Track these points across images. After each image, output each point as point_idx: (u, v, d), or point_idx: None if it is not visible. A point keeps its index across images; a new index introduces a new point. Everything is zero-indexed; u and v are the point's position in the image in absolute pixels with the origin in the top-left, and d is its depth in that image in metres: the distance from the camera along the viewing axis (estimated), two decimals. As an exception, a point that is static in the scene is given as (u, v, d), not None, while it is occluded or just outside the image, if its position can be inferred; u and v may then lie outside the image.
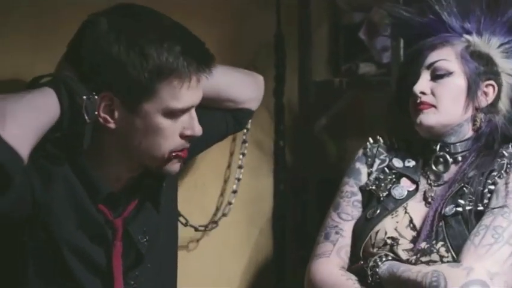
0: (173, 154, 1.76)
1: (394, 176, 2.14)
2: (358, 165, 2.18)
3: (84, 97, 1.66)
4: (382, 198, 2.09)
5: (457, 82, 2.06)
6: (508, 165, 2.05)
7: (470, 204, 2.01)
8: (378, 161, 2.17)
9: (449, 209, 2.01)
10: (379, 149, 2.19)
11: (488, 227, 1.95)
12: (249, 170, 2.81)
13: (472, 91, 2.06)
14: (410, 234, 2.04)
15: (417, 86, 2.06)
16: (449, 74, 2.06)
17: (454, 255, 1.97)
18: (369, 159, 2.18)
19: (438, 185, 2.10)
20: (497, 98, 2.11)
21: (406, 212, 2.07)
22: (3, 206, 1.63)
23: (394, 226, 2.05)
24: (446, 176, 2.10)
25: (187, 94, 1.72)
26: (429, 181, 2.11)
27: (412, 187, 2.11)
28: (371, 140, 2.22)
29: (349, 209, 2.13)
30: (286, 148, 2.96)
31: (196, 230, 2.62)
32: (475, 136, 2.10)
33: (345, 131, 3.13)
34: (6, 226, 1.71)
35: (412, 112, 2.10)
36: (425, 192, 2.10)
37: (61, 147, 1.73)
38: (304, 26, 2.99)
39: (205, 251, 2.71)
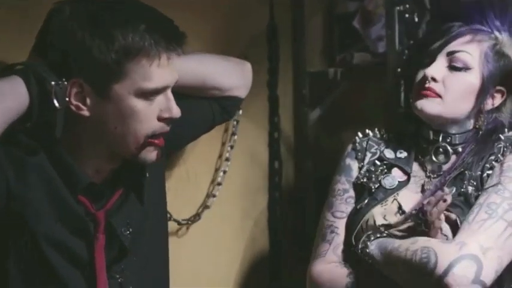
0: (148, 141, 1.72)
1: (385, 166, 2.11)
2: (348, 161, 2.16)
3: (53, 83, 1.64)
4: (373, 190, 2.07)
5: (472, 80, 2.01)
6: (505, 148, 2.03)
7: (471, 188, 1.99)
8: (369, 154, 2.15)
9: (450, 191, 1.98)
10: (369, 142, 2.17)
11: (482, 205, 1.92)
12: (241, 163, 2.79)
13: (483, 93, 2.03)
14: (399, 218, 2.02)
15: (430, 69, 2.01)
16: (466, 69, 2.01)
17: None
18: (359, 154, 2.16)
19: (437, 176, 2.07)
20: (504, 103, 2.08)
21: (394, 199, 2.05)
22: None
23: (382, 214, 2.03)
24: (445, 167, 2.08)
25: (158, 73, 1.69)
26: (428, 173, 2.08)
27: (404, 178, 2.09)
28: (360, 135, 2.20)
29: (342, 207, 2.11)
30: (281, 140, 2.95)
31: (179, 224, 2.59)
32: (476, 130, 2.07)
33: (341, 122, 3.11)
34: None
35: (415, 93, 2.05)
36: (423, 185, 2.07)
37: (35, 137, 1.70)
38: (297, 16, 2.97)
39: (195, 243, 2.69)
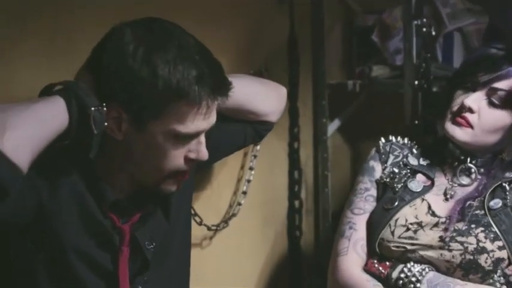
0: (173, 174, 1.73)
1: (409, 171, 2.14)
2: (372, 163, 2.19)
3: (93, 108, 1.63)
4: (397, 190, 2.10)
5: (505, 119, 2.05)
6: None
7: None
8: (392, 157, 2.18)
9: (494, 203, 2.01)
10: (393, 146, 2.20)
11: None
12: (263, 172, 2.82)
13: None
14: (430, 219, 2.04)
15: (469, 100, 2.04)
16: (504, 107, 2.05)
17: (509, 247, 1.95)
18: (383, 156, 2.18)
19: (460, 185, 2.10)
20: None
21: (424, 200, 2.07)
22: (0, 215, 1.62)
23: (413, 214, 2.05)
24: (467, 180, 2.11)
25: (194, 120, 1.67)
26: (450, 182, 2.11)
27: (428, 183, 2.12)
28: (383, 139, 2.23)
29: (361, 204, 2.13)
30: (301, 150, 2.98)
31: (209, 229, 2.64)
32: (501, 159, 2.10)
33: (359, 133, 3.13)
34: (12, 233, 1.71)
35: (449, 116, 2.09)
36: (445, 190, 2.10)
37: (69, 155, 1.71)
38: (317, 29, 3.00)
39: (220, 251, 2.73)
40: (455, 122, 2.06)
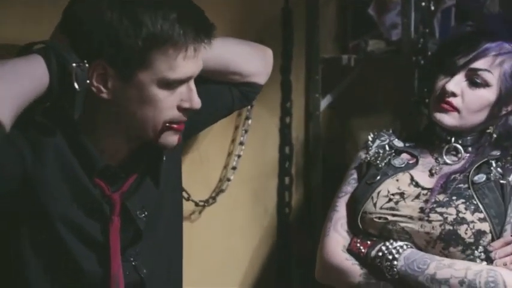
0: (167, 125, 1.70)
1: (393, 151, 2.15)
2: (359, 153, 2.20)
3: (74, 64, 1.60)
4: (381, 167, 2.10)
5: (489, 97, 2.04)
6: None
7: (497, 176, 2.01)
8: (378, 141, 2.19)
9: (478, 177, 2.01)
10: (381, 133, 2.22)
11: None
12: (253, 147, 2.80)
13: (498, 108, 2.06)
14: (413, 190, 2.04)
15: (451, 85, 2.04)
16: (486, 86, 2.04)
17: (491, 221, 1.94)
18: (369, 143, 2.19)
19: (446, 164, 2.10)
20: None
21: (406, 172, 2.08)
22: None
23: (396, 185, 2.05)
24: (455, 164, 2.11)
25: (183, 64, 1.66)
26: (436, 161, 2.10)
27: (412, 160, 2.12)
28: (372, 134, 2.23)
29: (344, 188, 2.14)
30: (292, 125, 2.96)
31: (196, 205, 2.61)
32: (489, 134, 2.11)
33: (352, 108, 3.13)
34: None
35: (434, 104, 2.09)
36: (432, 167, 2.09)
37: (52, 118, 1.67)
38: (312, 1, 2.98)
39: (209, 226, 2.71)
40: (440, 109, 2.06)
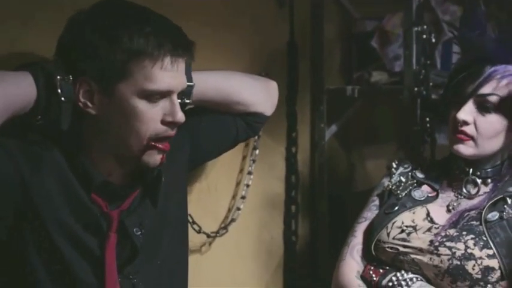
0: (152, 144, 1.74)
1: (415, 182, 2.16)
2: (383, 180, 2.22)
3: (59, 77, 1.68)
4: (401, 197, 2.11)
5: (502, 120, 2.05)
6: None
7: (510, 214, 2.00)
8: (401, 168, 2.20)
9: (491, 215, 2.00)
10: (404, 160, 2.22)
11: None
12: (261, 176, 2.82)
13: None
14: (427, 224, 2.05)
15: (461, 113, 2.04)
16: (496, 110, 2.04)
17: (501, 259, 1.94)
18: (393, 170, 2.21)
19: (466, 197, 2.11)
20: None
21: (424, 207, 2.09)
22: None
23: (411, 218, 2.06)
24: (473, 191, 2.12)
25: (161, 75, 1.71)
26: (456, 195, 2.11)
27: (433, 194, 2.13)
28: (396, 161, 2.24)
29: (365, 213, 2.16)
30: (298, 155, 2.98)
31: (208, 236, 2.63)
32: (508, 162, 2.10)
33: (357, 138, 3.14)
34: (4, 219, 1.72)
35: (450, 136, 2.10)
36: (450, 202, 2.10)
37: (48, 135, 1.74)
38: (317, 34, 3.01)
39: (218, 255, 2.72)
40: (456, 140, 2.06)
